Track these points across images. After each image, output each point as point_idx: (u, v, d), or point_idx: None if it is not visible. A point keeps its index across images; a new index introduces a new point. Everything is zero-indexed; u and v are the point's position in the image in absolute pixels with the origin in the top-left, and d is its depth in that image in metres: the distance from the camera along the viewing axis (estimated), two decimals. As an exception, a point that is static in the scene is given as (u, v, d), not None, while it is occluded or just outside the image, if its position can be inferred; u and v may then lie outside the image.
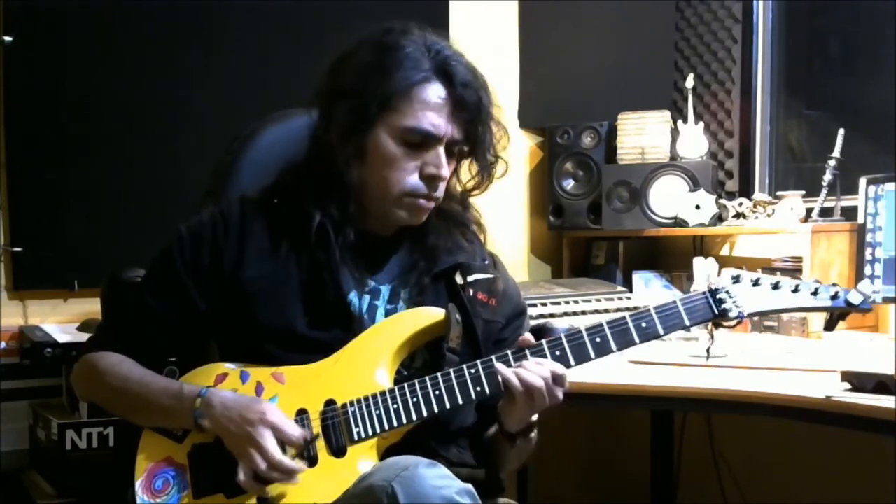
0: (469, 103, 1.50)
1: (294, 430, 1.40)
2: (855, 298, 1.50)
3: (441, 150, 1.50)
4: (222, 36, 2.69)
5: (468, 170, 1.61)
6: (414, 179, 1.50)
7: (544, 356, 1.46)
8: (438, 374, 1.46)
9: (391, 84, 1.47)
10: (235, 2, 2.70)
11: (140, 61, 2.56)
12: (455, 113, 1.50)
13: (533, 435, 1.54)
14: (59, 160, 2.47)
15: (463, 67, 1.51)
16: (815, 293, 1.51)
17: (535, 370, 1.43)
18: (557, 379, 1.44)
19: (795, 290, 1.51)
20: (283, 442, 1.39)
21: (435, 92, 1.49)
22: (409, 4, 2.85)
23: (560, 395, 1.45)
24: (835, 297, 1.50)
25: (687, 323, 1.49)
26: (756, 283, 1.51)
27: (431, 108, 1.48)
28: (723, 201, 2.85)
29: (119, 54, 2.53)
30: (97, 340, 1.61)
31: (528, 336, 1.49)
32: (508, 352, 1.47)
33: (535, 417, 1.51)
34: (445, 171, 1.51)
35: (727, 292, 1.50)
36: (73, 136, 2.49)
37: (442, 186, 1.53)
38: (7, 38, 2.37)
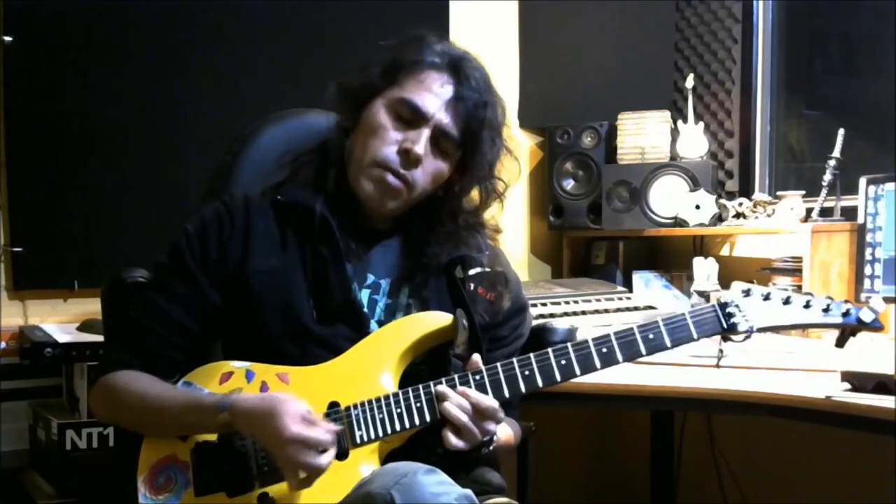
0: (469, 101, 1.50)
1: (319, 437, 1.34)
2: (867, 316, 1.48)
3: (425, 131, 1.51)
4: (222, 36, 2.68)
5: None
6: (389, 150, 1.51)
7: (497, 381, 1.44)
8: (443, 380, 1.45)
9: (401, 58, 1.52)
10: (236, 2, 2.70)
11: (140, 61, 2.56)
12: (453, 105, 1.51)
13: (491, 448, 1.48)
14: (59, 160, 2.47)
15: (477, 73, 1.53)
16: (826, 309, 1.49)
17: (459, 403, 1.41)
18: (484, 412, 1.41)
19: (807, 306, 1.49)
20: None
21: (440, 79, 1.52)
22: (409, 4, 2.88)
23: (490, 427, 1.42)
24: (846, 314, 1.49)
25: (695, 336, 1.48)
26: (767, 298, 1.49)
27: (430, 90, 1.51)
28: (723, 201, 2.85)
29: (119, 54, 2.53)
30: (111, 358, 1.56)
31: (477, 359, 1.46)
32: (469, 373, 1.45)
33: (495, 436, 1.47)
34: (420, 147, 1.50)
35: (737, 306, 1.48)
36: (74, 136, 2.49)
37: (416, 172, 1.51)
38: (7, 38, 2.37)
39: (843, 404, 1.68)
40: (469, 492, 1.32)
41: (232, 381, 1.48)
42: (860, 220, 2.36)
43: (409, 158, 1.50)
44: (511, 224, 3.22)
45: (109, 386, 1.51)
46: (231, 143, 1.81)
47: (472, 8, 3.14)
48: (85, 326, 2.37)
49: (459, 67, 1.52)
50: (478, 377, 1.45)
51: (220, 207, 1.56)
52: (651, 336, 1.47)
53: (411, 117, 1.51)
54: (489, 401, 1.42)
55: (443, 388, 1.43)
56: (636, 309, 2.56)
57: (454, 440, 1.41)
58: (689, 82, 2.95)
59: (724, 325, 1.48)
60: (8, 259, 2.43)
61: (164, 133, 2.60)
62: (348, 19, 2.81)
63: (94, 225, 2.50)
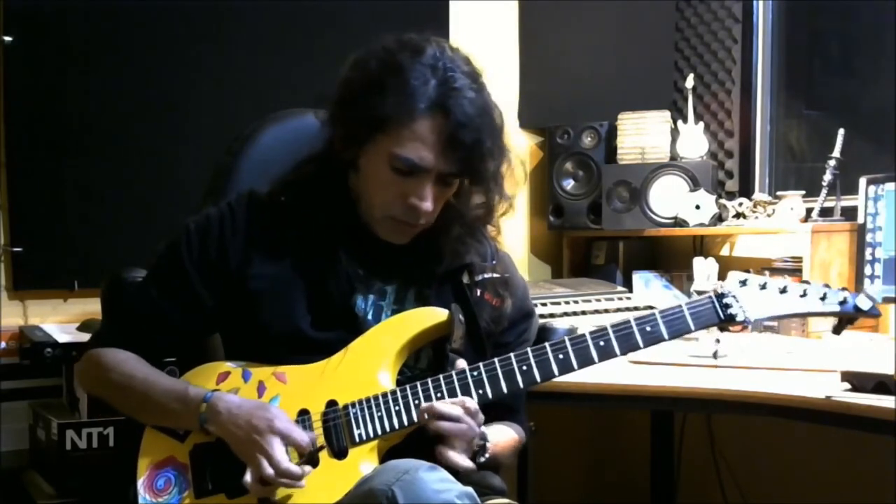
0: (464, 143, 1.44)
1: (302, 438, 1.39)
2: (864, 304, 1.48)
3: (428, 183, 1.46)
4: (222, 36, 2.69)
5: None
6: (397, 205, 1.48)
7: (495, 377, 1.44)
8: (440, 377, 1.45)
9: (386, 108, 1.43)
10: (236, 2, 2.70)
11: (140, 61, 2.56)
12: (448, 149, 1.44)
13: (487, 456, 1.47)
14: (60, 161, 2.47)
15: (467, 102, 1.44)
16: (823, 298, 1.49)
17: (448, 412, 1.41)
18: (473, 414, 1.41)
19: (803, 295, 1.48)
20: (290, 447, 1.39)
21: (429, 126, 1.43)
22: (409, 4, 2.88)
23: (476, 428, 1.42)
24: (843, 302, 1.49)
25: (692, 328, 1.47)
26: (763, 287, 1.49)
27: (422, 141, 1.43)
28: (723, 201, 2.85)
29: (119, 54, 2.53)
30: (101, 336, 1.60)
31: (461, 361, 1.46)
32: (467, 369, 1.45)
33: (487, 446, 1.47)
34: (428, 204, 1.47)
35: (734, 297, 1.47)
36: (74, 136, 2.49)
37: (428, 216, 1.50)
38: (7, 38, 2.37)
39: (843, 404, 1.68)
40: (470, 490, 1.32)
41: (229, 380, 1.49)
42: (860, 220, 2.36)
43: (417, 214, 1.48)
44: (511, 224, 3.20)
45: (98, 361, 1.54)
46: (231, 143, 1.81)
47: (472, 8, 3.14)
48: (85, 326, 2.37)
49: (449, 105, 1.42)
50: (475, 373, 1.44)
51: (224, 210, 1.56)
52: (648, 328, 1.46)
53: (410, 171, 1.45)
54: (468, 401, 1.42)
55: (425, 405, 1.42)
56: (636, 309, 2.56)
57: (452, 455, 1.40)
58: (689, 82, 2.95)
59: (721, 316, 1.47)
60: (8, 259, 2.43)
61: (164, 133, 2.60)
62: (349, 19, 2.81)
63: (94, 225, 2.50)
